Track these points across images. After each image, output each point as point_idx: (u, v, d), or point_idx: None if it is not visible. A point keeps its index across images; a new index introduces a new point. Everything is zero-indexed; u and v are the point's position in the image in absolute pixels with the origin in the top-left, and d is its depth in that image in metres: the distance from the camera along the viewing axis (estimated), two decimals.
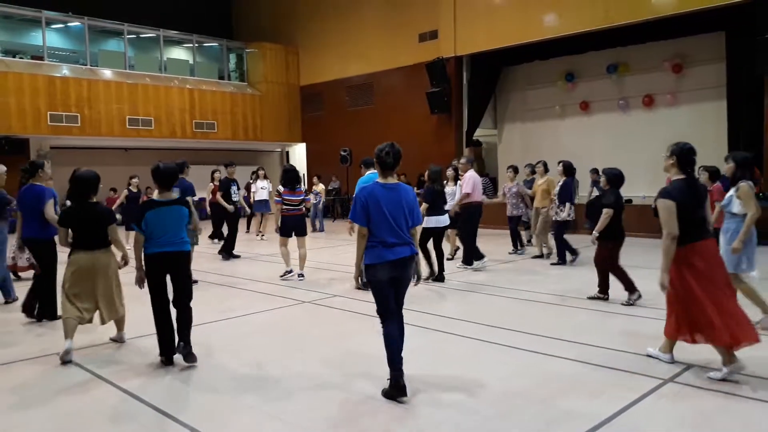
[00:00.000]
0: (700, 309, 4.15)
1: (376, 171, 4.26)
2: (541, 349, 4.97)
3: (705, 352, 4.42)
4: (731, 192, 5.50)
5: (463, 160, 9.53)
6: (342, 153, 18.86)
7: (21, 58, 17.54)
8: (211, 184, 12.42)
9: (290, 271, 8.71)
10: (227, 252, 10.82)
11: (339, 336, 5.63)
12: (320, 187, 16.59)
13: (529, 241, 11.29)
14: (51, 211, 6.11)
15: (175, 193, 4.93)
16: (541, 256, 10.12)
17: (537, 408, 3.79)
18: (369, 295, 7.24)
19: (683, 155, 4.32)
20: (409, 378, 4.05)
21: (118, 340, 5.45)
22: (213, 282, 8.61)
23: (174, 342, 4.75)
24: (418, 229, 4.21)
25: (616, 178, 6.81)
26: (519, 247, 10.89)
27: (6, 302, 7.09)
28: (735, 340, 4.08)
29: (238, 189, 11.23)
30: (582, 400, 3.91)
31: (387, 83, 19.38)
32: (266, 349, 5.23)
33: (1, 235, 6.91)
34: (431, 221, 8.13)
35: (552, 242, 9.86)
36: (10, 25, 18.17)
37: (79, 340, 5.16)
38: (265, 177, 14.01)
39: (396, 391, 3.92)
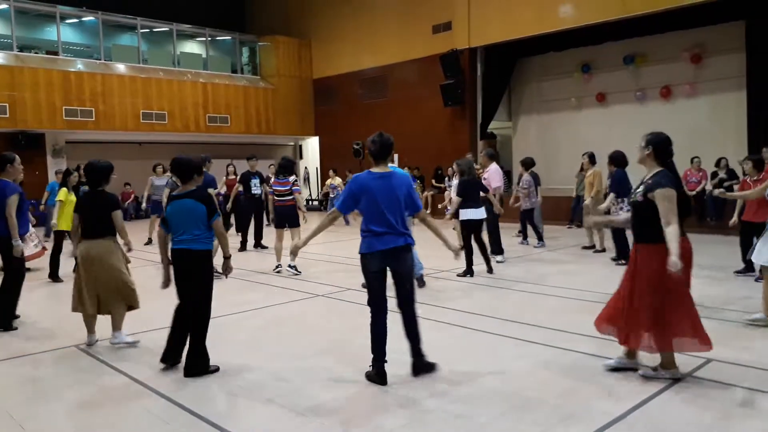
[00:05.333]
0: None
1: (394, 164, 4.29)
2: (558, 344, 4.90)
3: (722, 349, 4.32)
4: None
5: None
6: (355, 146, 18.80)
7: (36, 53, 17.65)
8: (224, 178, 12.38)
9: (278, 266, 8.70)
10: (255, 244, 11.17)
11: (352, 329, 5.59)
12: (337, 180, 16.61)
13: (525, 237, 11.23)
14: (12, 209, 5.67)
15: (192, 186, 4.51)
16: (592, 247, 10.08)
17: (553, 403, 3.73)
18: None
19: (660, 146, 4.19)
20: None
21: (113, 340, 5.12)
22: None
23: (180, 349, 4.47)
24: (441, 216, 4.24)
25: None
26: (525, 239, 11.00)
27: None
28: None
29: (261, 182, 11.22)
30: (598, 395, 3.84)
31: (400, 76, 19.25)
32: (280, 342, 5.21)
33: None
34: (467, 213, 8.04)
35: (596, 236, 9.98)
36: (26, 20, 18.27)
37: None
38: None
39: (378, 377, 4.06)
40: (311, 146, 23.17)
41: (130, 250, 5.36)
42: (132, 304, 5.15)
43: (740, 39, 13.52)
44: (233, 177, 11.88)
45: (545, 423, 3.46)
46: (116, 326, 5.13)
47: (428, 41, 18.06)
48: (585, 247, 10.26)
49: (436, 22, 17.94)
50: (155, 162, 12.86)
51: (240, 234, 11.18)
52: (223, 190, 12.16)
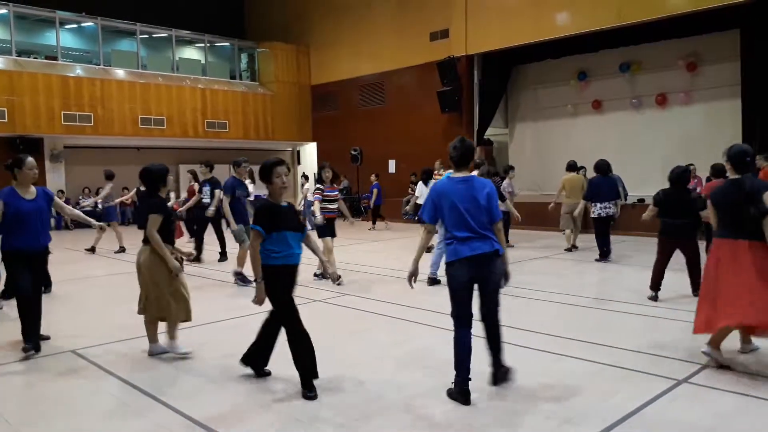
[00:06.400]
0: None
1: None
2: (554, 349, 4.94)
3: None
4: None
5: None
6: (352, 152, 18.89)
7: (35, 58, 17.71)
8: (190, 184, 11.80)
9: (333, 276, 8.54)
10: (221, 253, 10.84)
11: (350, 335, 5.64)
12: (309, 185, 16.59)
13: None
14: None
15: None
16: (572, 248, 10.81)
17: (550, 407, 3.77)
18: (379, 294, 7.29)
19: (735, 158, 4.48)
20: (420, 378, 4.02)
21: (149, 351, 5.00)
22: (221, 280, 8.64)
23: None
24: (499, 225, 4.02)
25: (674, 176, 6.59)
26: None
27: None
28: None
29: (212, 190, 10.57)
30: (595, 400, 3.88)
31: (398, 82, 19.36)
32: (278, 346, 5.23)
33: None
34: None
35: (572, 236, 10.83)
36: (25, 25, 18.34)
37: None
38: (251, 176, 14.00)
39: (460, 396, 3.84)
40: (309, 152, 23.24)
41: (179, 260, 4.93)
42: (153, 315, 4.95)
43: (735, 47, 13.64)
44: (193, 184, 11.52)
45: (547, 426, 3.50)
46: (150, 336, 4.99)
47: (425, 48, 18.16)
48: (567, 249, 10.79)
49: (434, 30, 18.06)
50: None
51: (194, 241, 11.11)
52: (183, 196, 12.11)
